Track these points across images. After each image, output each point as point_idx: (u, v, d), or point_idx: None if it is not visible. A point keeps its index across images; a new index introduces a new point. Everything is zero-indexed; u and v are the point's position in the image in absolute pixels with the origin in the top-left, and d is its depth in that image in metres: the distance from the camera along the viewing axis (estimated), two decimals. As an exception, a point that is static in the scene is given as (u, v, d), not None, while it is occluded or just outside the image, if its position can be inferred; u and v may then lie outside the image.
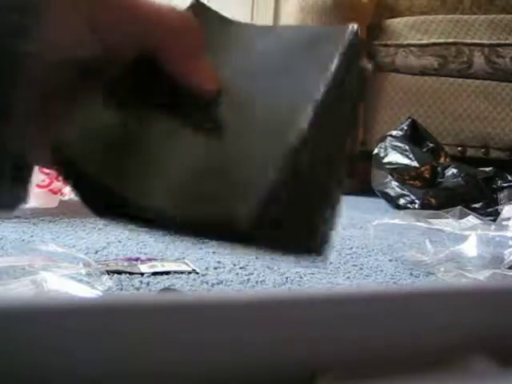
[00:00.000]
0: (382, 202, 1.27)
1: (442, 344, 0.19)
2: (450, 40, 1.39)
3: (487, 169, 1.17)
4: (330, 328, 0.17)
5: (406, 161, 1.21)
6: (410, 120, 1.29)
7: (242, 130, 0.22)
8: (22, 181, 0.22)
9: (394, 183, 1.20)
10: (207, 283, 0.50)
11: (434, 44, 1.40)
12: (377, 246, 0.71)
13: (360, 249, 0.71)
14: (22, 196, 0.22)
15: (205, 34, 0.25)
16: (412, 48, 1.42)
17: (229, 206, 0.20)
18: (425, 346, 0.18)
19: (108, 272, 0.49)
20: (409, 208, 1.13)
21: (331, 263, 0.62)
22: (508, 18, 1.39)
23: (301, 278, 0.54)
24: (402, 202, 1.17)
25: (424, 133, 1.29)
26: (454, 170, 1.16)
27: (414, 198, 1.15)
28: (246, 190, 0.20)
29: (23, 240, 0.63)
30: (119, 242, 0.65)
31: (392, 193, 1.20)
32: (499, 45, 1.35)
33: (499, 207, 1.02)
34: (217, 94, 0.24)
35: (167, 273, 0.52)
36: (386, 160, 1.24)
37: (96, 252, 0.59)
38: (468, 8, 1.71)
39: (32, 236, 0.65)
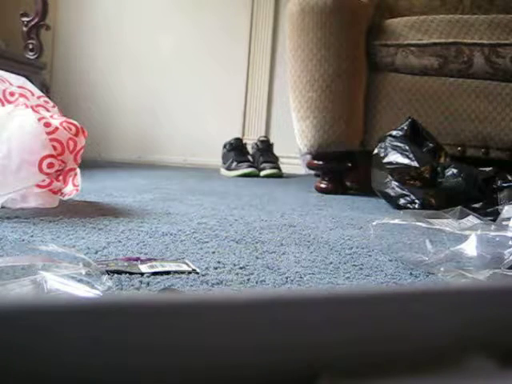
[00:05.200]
0: (381, 202, 1.27)
1: (441, 344, 0.19)
2: (450, 40, 1.39)
3: (487, 169, 1.17)
4: (330, 328, 0.17)
5: (405, 161, 1.21)
6: (410, 120, 1.29)
7: None
8: None
9: (394, 183, 1.20)
10: (207, 283, 0.50)
11: (434, 44, 1.40)
12: (377, 246, 0.71)
13: (360, 249, 0.71)
14: None
15: None
16: (412, 48, 1.42)
17: None
18: (425, 345, 0.18)
19: (108, 272, 0.49)
20: (409, 208, 1.13)
21: (331, 263, 0.62)
22: (508, 18, 1.39)
23: (301, 277, 0.54)
24: (401, 202, 1.17)
25: (424, 133, 1.29)
26: (454, 170, 1.16)
27: (414, 197, 1.15)
28: None
29: (23, 240, 0.63)
30: (119, 242, 0.65)
31: (392, 193, 1.20)
32: (499, 45, 1.35)
33: (499, 207, 1.02)
34: None
35: (167, 273, 0.52)
36: (386, 160, 1.24)
37: (96, 252, 0.59)
38: (468, 8, 1.71)
39: (32, 236, 0.65)
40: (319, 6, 1.42)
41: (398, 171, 1.21)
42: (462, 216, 0.68)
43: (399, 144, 1.24)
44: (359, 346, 0.18)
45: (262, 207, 1.11)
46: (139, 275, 0.50)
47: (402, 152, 1.22)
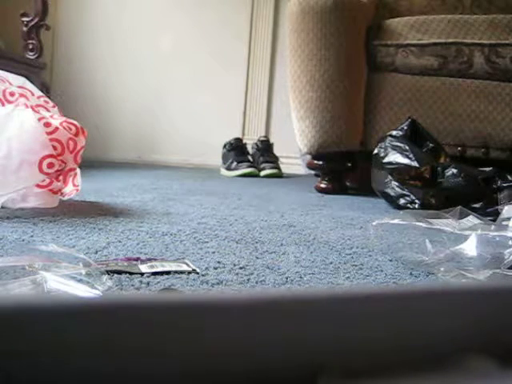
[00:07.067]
0: (381, 202, 1.27)
1: (442, 344, 0.19)
2: (450, 40, 1.39)
3: (487, 169, 1.17)
4: (331, 328, 0.17)
5: (405, 161, 1.20)
6: (409, 120, 1.29)
7: None
8: None
9: (394, 183, 1.20)
10: (207, 283, 0.50)
11: (434, 44, 1.40)
12: (377, 246, 0.71)
13: (360, 249, 0.71)
14: None
15: None
16: (412, 48, 1.42)
17: None
18: (425, 346, 0.18)
19: (108, 272, 0.49)
20: (409, 208, 1.13)
21: (331, 263, 0.62)
22: (508, 18, 1.39)
23: (301, 277, 0.54)
24: (401, 202, 1.17)
25: (424, 133, 1.29)
26: (454, 170, 1.16)
27: (413, 198, 1.15)
28: None
29: (23, 240, 0.63)
30: (119, 241, 0.65)
31: (392, 193, 1.20)
32: (499, 45, 1.35)
33: (499, 207, 1.02)
34: None
35: (167, 273, 0.52)
36: (386, 160, 1.24)
37: (96, 252, 0.59)
38: (468, 8, 1.71)
39: (32, 236, 0.65)
40: (319, 5, 1.42)
41: (398, 171, 1.21)
42: (462, 216, 0.68)
43: (399, 144, 1.24)
44: (359, 345, 0.18)
45: (262, 207, 1.11)
46: (139, 275, 0.50)
47: (402, 152, 1.22)
